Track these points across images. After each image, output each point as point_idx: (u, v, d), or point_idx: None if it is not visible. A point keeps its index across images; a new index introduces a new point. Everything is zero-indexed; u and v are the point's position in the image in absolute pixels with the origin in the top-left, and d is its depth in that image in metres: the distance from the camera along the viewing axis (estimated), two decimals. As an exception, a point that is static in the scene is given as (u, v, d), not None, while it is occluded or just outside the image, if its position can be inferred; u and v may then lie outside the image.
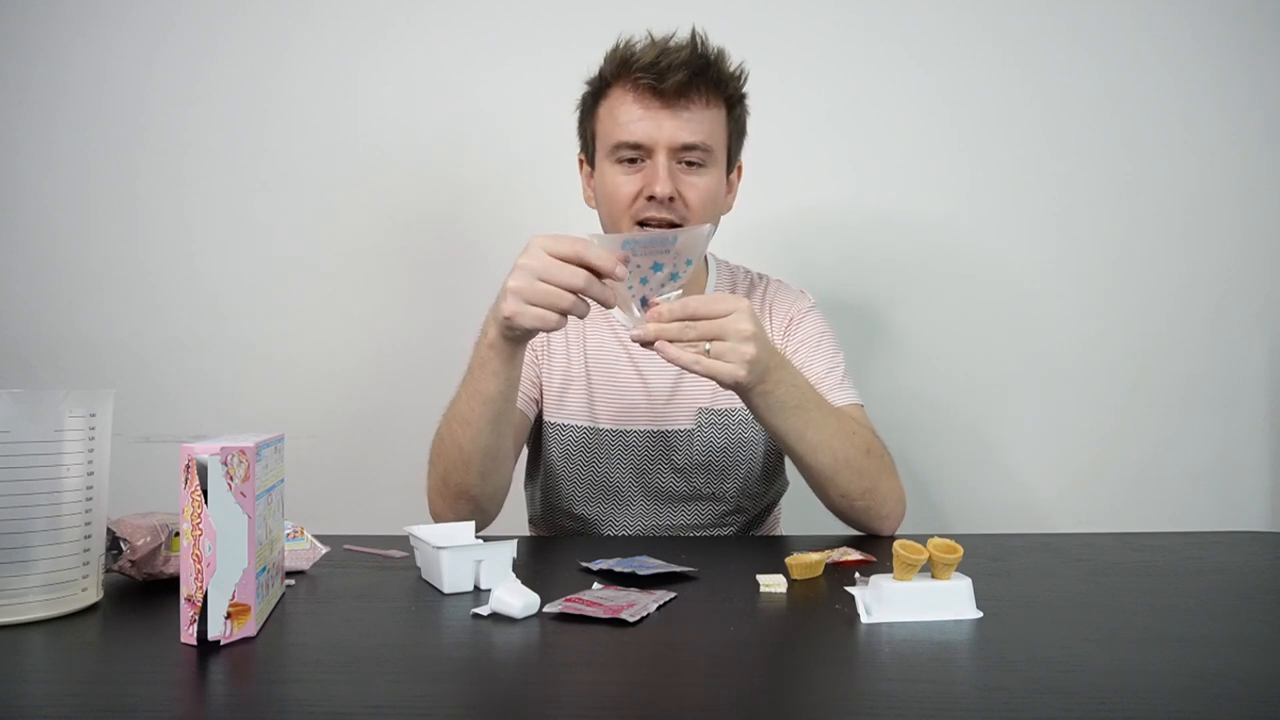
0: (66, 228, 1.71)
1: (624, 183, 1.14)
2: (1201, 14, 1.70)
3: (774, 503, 1.32)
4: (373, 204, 1.72)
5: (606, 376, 1.24)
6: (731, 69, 1.17)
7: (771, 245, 1.69)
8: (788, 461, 1.34)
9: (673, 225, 1.13)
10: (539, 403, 1.25)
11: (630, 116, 1.12)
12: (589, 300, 0.91)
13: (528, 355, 1.23)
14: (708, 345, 0.93)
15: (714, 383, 1.21)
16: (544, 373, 1.25)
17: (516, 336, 0.97)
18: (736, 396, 1.21)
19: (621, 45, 1.15)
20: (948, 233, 1.72)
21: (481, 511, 1.09)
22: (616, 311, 1.25)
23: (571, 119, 1.25)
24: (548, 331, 0.93)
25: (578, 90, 1.23)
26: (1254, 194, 1.72)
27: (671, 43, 1.13)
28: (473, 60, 1.71)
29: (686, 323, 0.92)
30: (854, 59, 1.71)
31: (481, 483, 1.06)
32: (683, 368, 0.93)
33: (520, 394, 1.20)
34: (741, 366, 0.93)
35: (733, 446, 1.23)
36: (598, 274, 0.90)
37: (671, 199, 1.11)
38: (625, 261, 0.91)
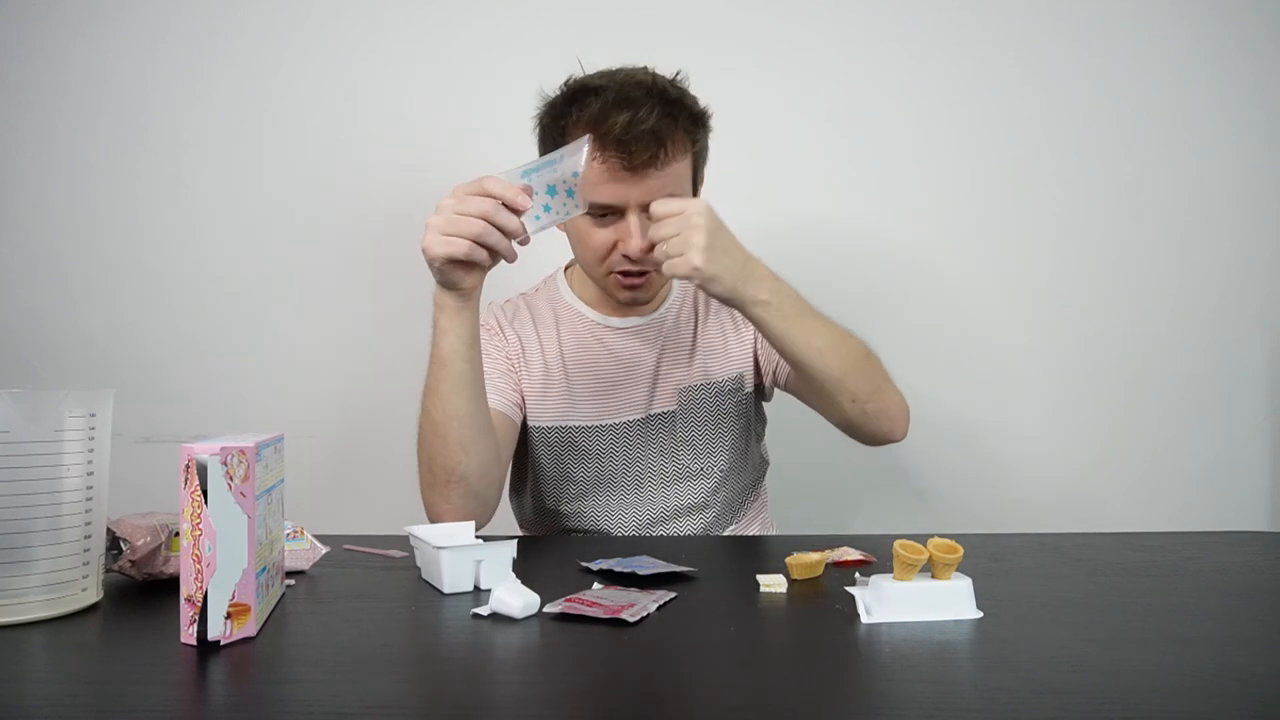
0: (67, 227, 1.71)
1: (596, 234, 1.14)
2: (1201, 14, 1.70)
3: (758, 480, 1.33)
4: (373, 203, 1.72)
5: (586, 372, 1.25)
6: (696, 111, 1.14)
7: (771, 244, 1.69)
8: (765, 441, 1.36)
9: (644, 274, 1.16)
10: (523, 408, 1.25)
11: (599, 179, 1.10)
12: (507, 236, 0.96)
13: (504, 364, 1.24)
14: (666, 250, 0.99)
15: (692, 359, 1.24)
16: (523, 379, 1.25)
17: (446, 279, 1.00)
18: (714, 371, 1.25)
19: (581, 89, 1.11)
20: (948, 233, 1.72)
21: (475, 496, 1.07)
22: (584, 307, 1.27)
23: None
24: (459, 259, 0.96)
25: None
26: (1254, 194, 1.72)
27: (636, 92, 1.09)
28: (473, 60, 1.71)
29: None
30: (854, 59, 1.70)
31: (464, 457, 1.05)
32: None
33: (503, 399, 1.21)
34: (696, 253, 0.98)
35: (714, 419, 1.24)
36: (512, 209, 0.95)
37: (644, 253, 1.11)
38: (530, 193, 0.96)
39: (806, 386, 1.15)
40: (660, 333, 1.27)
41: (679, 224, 0.99)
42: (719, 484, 1.26)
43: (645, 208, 1.10)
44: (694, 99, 1.15)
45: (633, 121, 1.07)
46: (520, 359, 1.26)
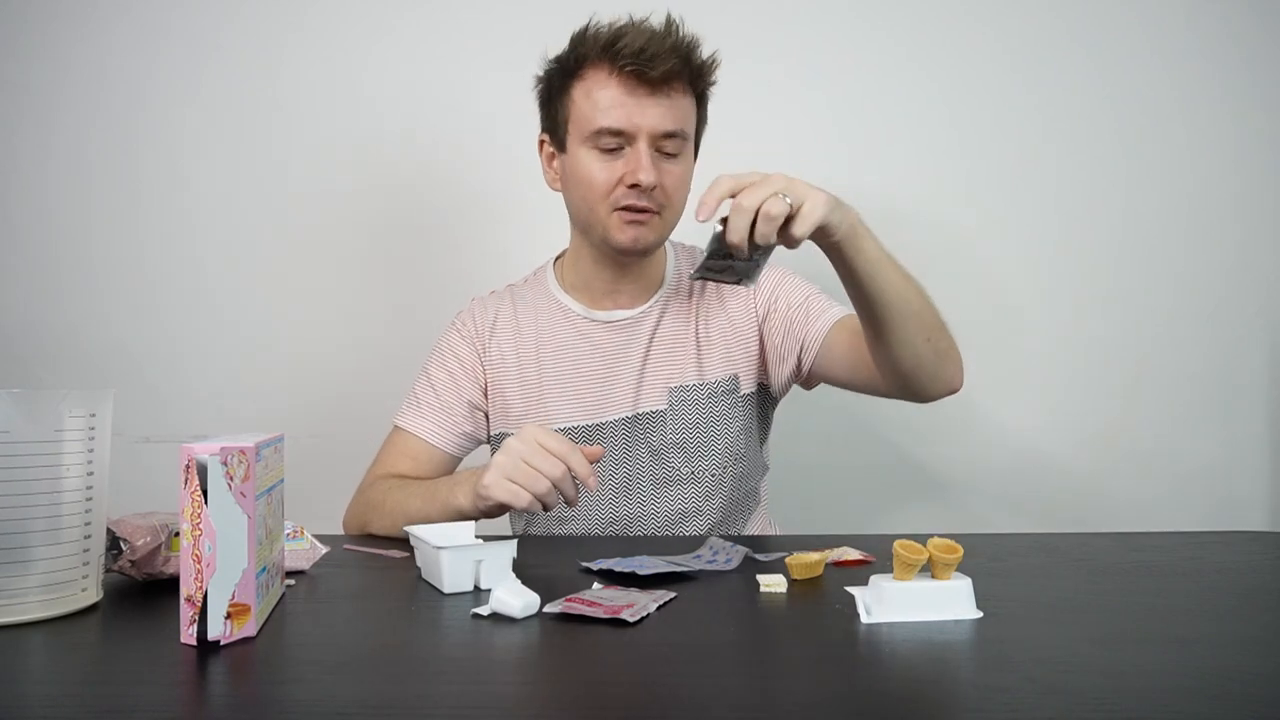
0: (66, 227, 1.71)
1: (602, 169, 1.13)
2: (1201, 14, 1.70)
3: (755, 487, 1.31)
4: (372, 203, 1.72)
5: (571, 373, 1.24)
6: (706, 57, 1.16)
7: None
8: (768, 444, 1.35)
9: (648, 211, 1.13)
10: (480, 433, 1.28)
11: (613, 102, 1.11)
12: (560, 493, 0.97)
13: (466, 381, 1.25)
14: (788, 199, 0.89)
15: (684, 358, 1.23)
16: (492, 392, 1.26)
17: (487, 508, 1.01)
18: (708, 370, 1.23)
19: (593, 26, 1.14)
20: (947, 233, 1.72)
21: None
22: (570, 300, 1.27)
23: None
24: (513, 508, 0.99)
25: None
26: (1254, 194, 1.72)
27: (652, 26, 1.11)
28: (474, 60, 1.70)
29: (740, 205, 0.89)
30: (854, 57, 1.70)
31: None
32: (772, 219, 0.88)
33: (449, 436, 1.25)
34: (818, 196, 0.90)
35: (706, 422, 1.22)
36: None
37: (653, 187, 1.12)
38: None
39: (876, 333, 1.06)
40: (647, 328, 1.25)
41: (771, 185, 0.89)
42: (711, 489, 1.23)
43: (654, 141, 1.12)
44: (704, 53, 1.16)
45: (653, 37, 1.09)
46: (497, 373, 1.26)
